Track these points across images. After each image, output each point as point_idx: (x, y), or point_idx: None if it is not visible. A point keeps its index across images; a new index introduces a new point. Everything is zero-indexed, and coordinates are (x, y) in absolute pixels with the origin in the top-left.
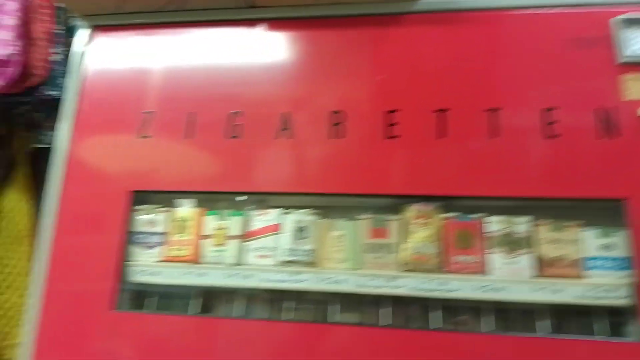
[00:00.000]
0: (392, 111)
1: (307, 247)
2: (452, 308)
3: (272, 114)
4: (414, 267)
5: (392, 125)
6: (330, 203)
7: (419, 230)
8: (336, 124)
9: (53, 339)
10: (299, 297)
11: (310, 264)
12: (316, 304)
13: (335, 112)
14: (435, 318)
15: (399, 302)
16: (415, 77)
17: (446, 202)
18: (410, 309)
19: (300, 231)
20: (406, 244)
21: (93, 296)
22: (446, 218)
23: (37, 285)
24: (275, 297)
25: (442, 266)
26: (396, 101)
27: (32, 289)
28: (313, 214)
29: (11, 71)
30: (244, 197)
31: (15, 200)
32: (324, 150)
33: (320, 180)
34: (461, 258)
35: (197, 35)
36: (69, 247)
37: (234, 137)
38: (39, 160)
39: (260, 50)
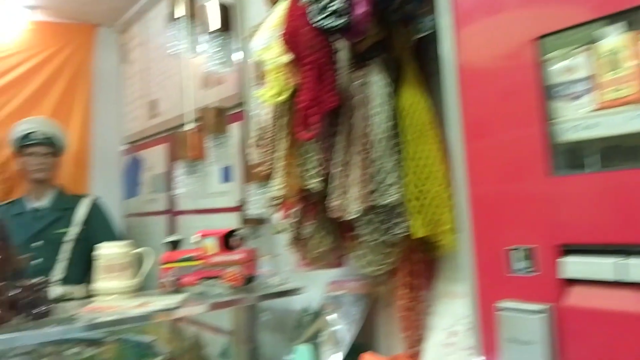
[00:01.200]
0: None
1: None
2: None
3: None
4: None
5: None
6: None
7: None
8: None
9: (488, 215)
10: None
11: None
12: None
13: None
14: None
15: None
16: None
17: None
18: None
19: None
20: None
21: (523, 166)
22: None
23: (460, 169)
24: None
25: None
26: None
27: (456, 173)
28: None
29: None
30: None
31: (412, 97)
32: None
33: None
34: None
35: None
36: (482, 122)
37: None
38: (422, 50)
39: None
